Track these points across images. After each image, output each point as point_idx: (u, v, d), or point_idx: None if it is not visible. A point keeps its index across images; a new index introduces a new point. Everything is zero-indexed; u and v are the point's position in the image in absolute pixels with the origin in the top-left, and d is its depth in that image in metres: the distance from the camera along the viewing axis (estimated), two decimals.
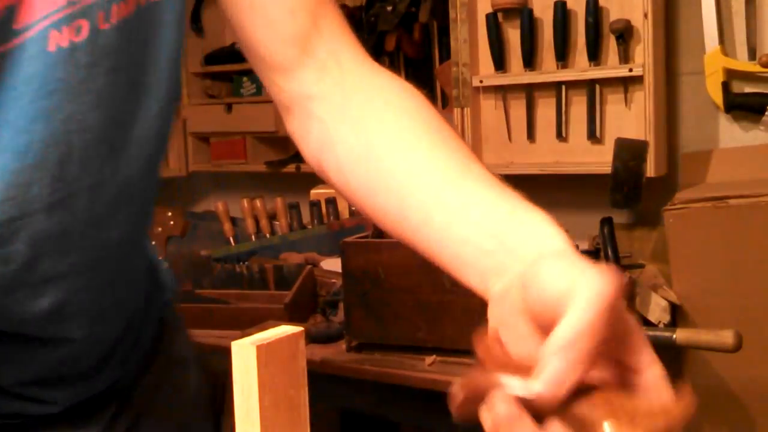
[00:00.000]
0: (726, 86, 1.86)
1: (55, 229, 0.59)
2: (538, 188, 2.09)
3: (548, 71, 2.00)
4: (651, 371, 0.46)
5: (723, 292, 1.70)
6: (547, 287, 0.46)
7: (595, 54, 1.93)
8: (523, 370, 0.46)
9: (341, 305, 1.62)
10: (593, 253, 1.78)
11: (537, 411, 0.45)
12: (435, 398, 1.46)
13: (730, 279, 1.70)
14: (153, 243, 2.33)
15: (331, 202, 2.20)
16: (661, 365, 0.47)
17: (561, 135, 2.00)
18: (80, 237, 0.62)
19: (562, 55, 1.97)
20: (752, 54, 1.83)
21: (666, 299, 1.72)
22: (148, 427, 0.78)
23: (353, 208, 2.17)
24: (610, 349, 0.46)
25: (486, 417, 0.45)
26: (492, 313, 0.52)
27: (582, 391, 0.45)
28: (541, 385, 0.44)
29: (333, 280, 1.88)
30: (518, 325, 0.49)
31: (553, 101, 2.01)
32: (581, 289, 0.44)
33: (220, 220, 2.32)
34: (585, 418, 0.44)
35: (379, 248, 1.51)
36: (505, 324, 0.50)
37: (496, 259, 0.52)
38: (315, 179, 2.51)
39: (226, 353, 0.50)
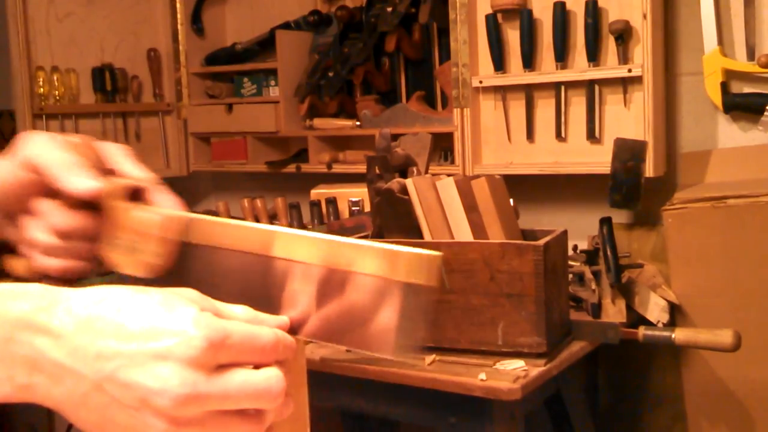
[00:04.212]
0: (725, 87, 1.86)
1: None
2: (538, 188, 2.12)
3: (547, 72, 2.01)
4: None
5: (722, 291, 1.71)
6: None
7: (594, 54, 1.93)
8: None
9: None
10: (592, 253, 1.78)
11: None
12: (435, 398, 1.47)
13: (728, 279, 1.70)
14: None
15: (332, 202, 2.20)
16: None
17: (560, 135, 2.01)
18: None
19: (562, 56, 1.98)
20: (751, 54, 1.84)
21: (665, 299, 1.72)
22: None
23: (353, 208, 2.17)
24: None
25: None
26: None
27: None
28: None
29: None
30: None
31: (552, 102, 2.02)
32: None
33: None
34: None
35: None
36: None
37: None
38: (315, 179, 2.49)
39: None
